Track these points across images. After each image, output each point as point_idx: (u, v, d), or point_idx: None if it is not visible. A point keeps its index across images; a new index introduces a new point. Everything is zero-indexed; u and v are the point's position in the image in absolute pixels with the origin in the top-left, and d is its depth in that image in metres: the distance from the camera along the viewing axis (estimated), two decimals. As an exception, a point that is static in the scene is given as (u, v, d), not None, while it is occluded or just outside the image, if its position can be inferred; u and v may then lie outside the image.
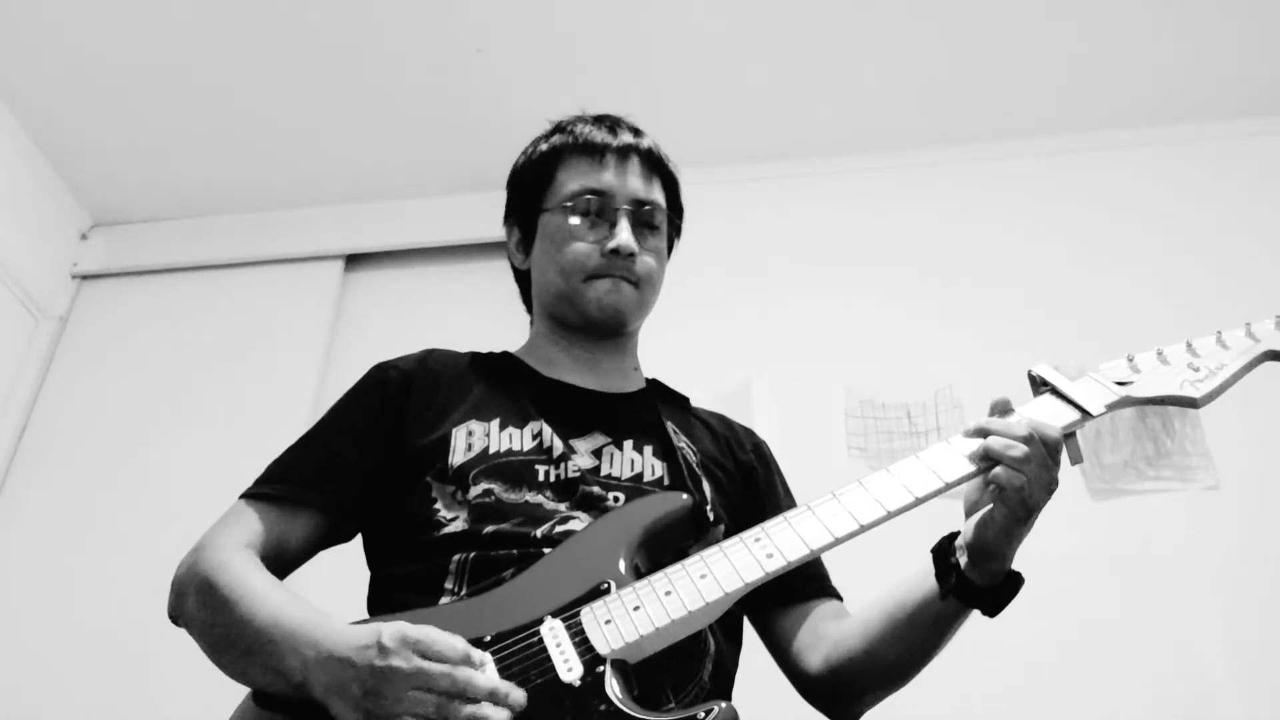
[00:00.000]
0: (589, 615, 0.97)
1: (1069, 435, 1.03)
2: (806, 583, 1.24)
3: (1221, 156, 2.62)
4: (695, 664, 1.05)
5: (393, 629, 0.90)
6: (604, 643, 0.94)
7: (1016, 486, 0.97)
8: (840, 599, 1.26)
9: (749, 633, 1.25)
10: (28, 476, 2.67)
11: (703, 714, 0.90)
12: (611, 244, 1.26)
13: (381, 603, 1.15)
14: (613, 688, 0.91)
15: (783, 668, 1.23)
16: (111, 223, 3.08)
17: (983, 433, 1.02)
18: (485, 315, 2.11)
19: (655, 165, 1.36)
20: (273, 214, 3.02)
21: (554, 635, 0.96)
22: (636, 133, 1.37)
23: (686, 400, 1.40)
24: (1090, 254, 2.50)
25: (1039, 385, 1.09)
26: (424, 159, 2.87)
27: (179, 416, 2.71)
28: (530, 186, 1.36)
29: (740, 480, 1.30)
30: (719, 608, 0.98)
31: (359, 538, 1.24)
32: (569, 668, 0.93)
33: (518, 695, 0.89)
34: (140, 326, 2.91)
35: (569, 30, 2.52)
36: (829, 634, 1.18)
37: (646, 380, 1.39)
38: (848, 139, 2.78)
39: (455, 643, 0.90)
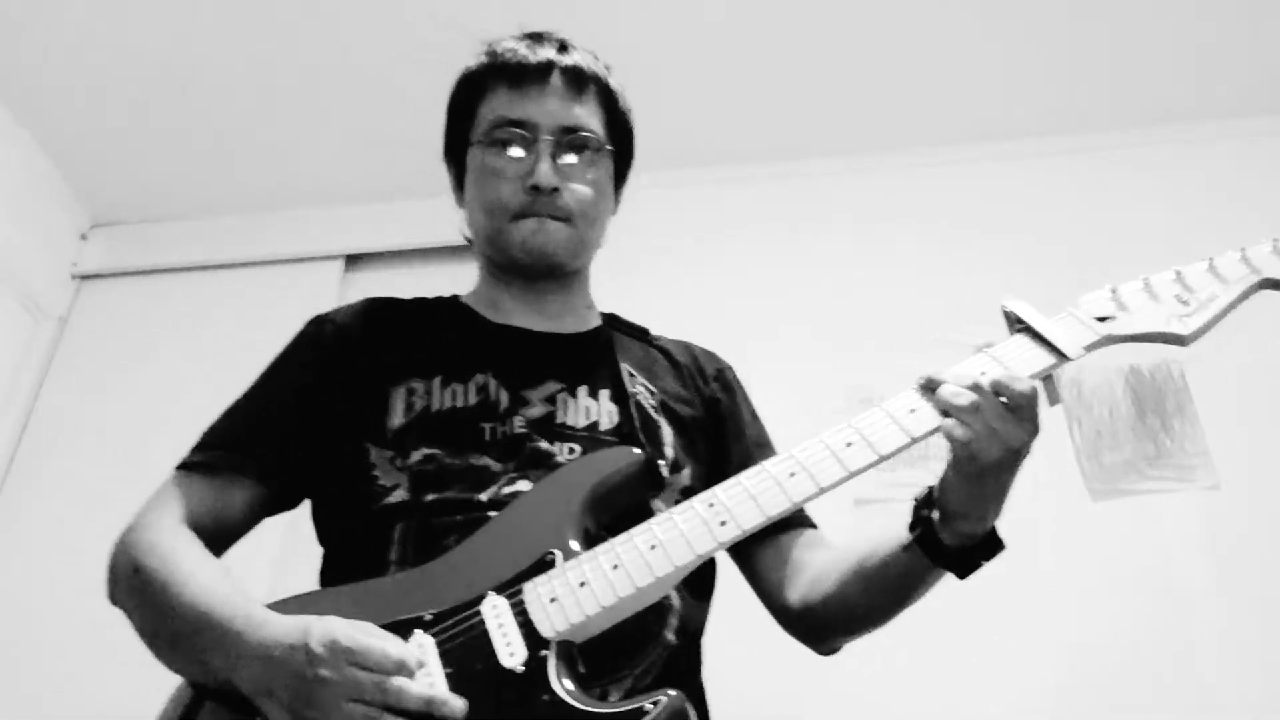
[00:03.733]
0: (533, 592, 0.91)
1: (1046, 377, 0.94)
2: None
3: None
4: (655, 625, 1.00)
5: (321, 632, 0.84)
6: (548, 624, 0.88)
7: (961, 439, 0.88)
8: (816, 527, 1.20)
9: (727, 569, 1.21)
10: (28, 476, 2.67)
11: (649, 705, 0.83)
12: (530, 180, 1.16)
13: (329, 578, 1.10)
14: (557, 674, 0.86)
15: (761, 599, 1.19)
16: (111, 223, 3.08)
17: (933, 383, 0.93)
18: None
19: (584, 82, 1.22)
20: (273, 214, 3.02)
21: (496, 615, 0.90)
22: (562, 47, 1.24)
23: (645, 332, 1.32)
24: (1095, 255, 2.50)
25: (1014, 323, 0.99)
26: (424, 159, 2.86)
27: (179, 417, 2.70)
28: (457, 119, 1.27)
29: (706, 415, 1.23)
30: (670, 581, 0.92)
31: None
32: (511, 652, 0.87)
33: (456, 704, 0.83)
34: (140, 326, 2.90)
35: (570, 30, 2.52)
36: (807, 568, 1.13)
37: (602, 315, 1.31)
38: (848, 139, 2.78)
39: (389, 649, 0.84)
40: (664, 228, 2.74)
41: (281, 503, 1.14)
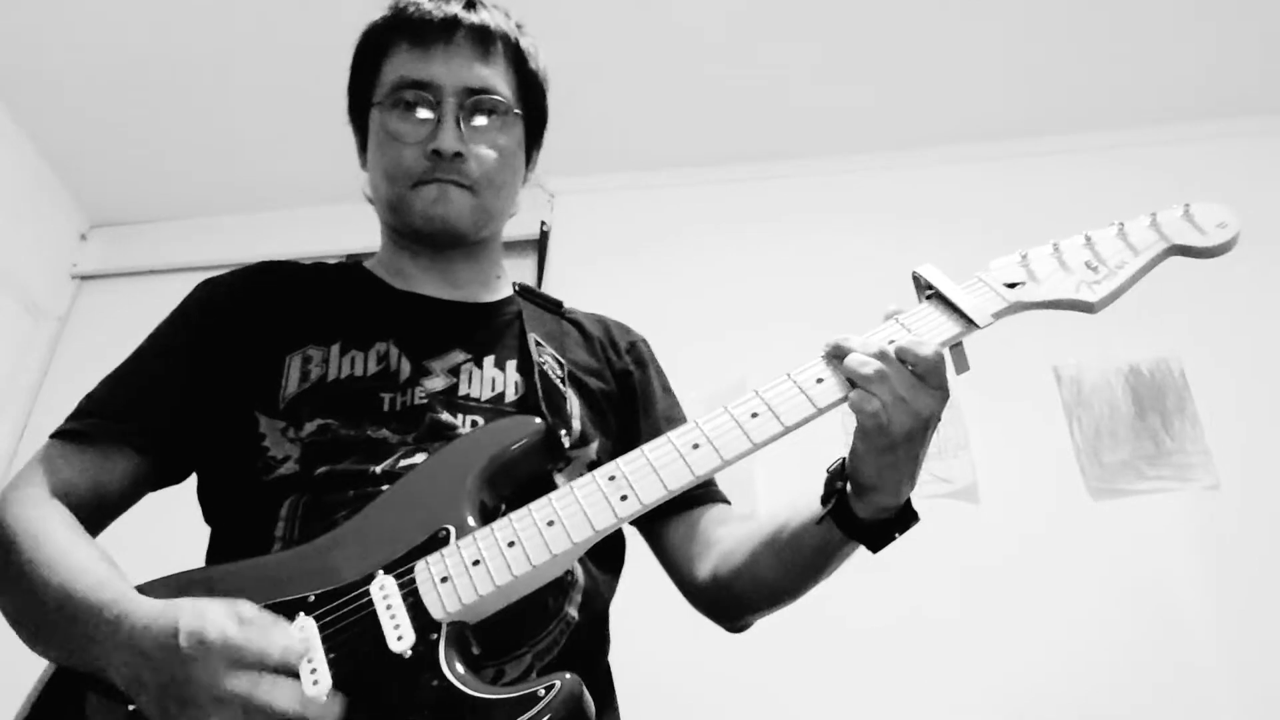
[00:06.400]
0: (424, 571, 0.85)
1: (955, 344, 0.91)
2: (691, 489, 1.11)
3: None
4: (557, 601, 0.96)
5: (190, 628, 0.78)
6: (439, 606, 0.83)
7: (869, 411, 0.85)
8: (728, 503, 1.17)
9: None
10: (27, 477, 2.66)
11: (542, 690, 0.78)
12: (431, 145, 1.10)
13: (214, 558, 1.04)
14: (447, 659, 0.81)
15: (670, 576, 1.16)
16: (111, 223, 3.08)
17: (840, 351, 0.89)
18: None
19: (491, 41, 1.15)
20: (273, 214, 3.02)
21: (385, 596, 0.84)
22: (469, 4, 1.16)
23: (559, 304, 1.26)
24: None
25: (923, 289, 0.96)
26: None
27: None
28: (359, 77, 1.20)
29: (616, 388, 1.19)
30: (568, 559, 0.87)
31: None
32: (399, 635, 0.82)
33: (333, 710, 0.78)
34: (140, 326, 2.85)
35: (567, 30, 2.52)
36: (718, 543, 1.09)
37: (515, 286, 1.25)
38: (837, 140, 2.79)
39: (265, 647, 0.78)
40: (640, 228, 2.75)
41: (165, 476, 1.06)
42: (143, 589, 0.88)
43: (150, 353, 1.12)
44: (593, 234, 2.79)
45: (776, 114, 2.73)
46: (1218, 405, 2.25)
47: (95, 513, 1.00)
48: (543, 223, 2.82)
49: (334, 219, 2.99)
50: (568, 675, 0.80)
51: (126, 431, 1.02)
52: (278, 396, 1.03)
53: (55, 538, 0.92)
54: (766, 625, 1.11)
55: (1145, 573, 2.10)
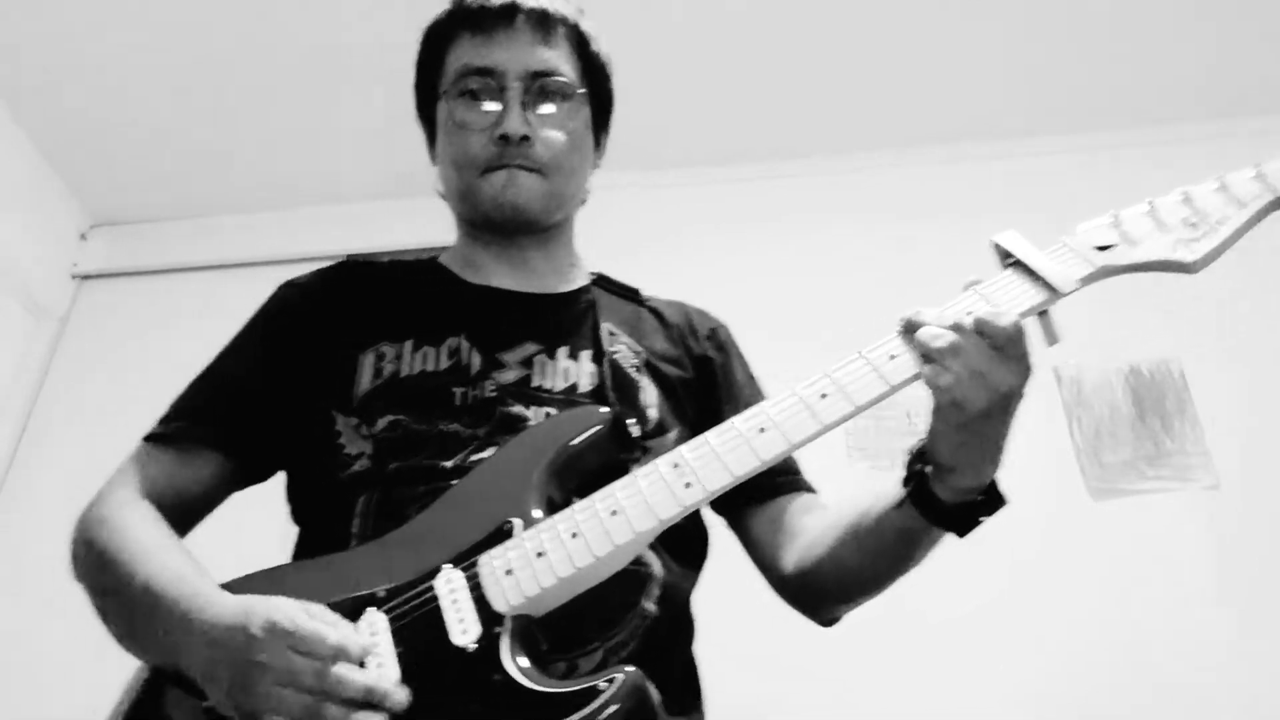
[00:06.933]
0: (488, 565, 0.85)
1: (1042, 313, 0.86)
2: (774, 478, 1.09)
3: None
4: (632, 594, 0.94)
5: (262, 614, 0.79)
6: (502, 599, 0.83)
7: (942, 386, 0.81)
8: (814, 491, 1.14)
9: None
10: (28, 476, 2.66)
11: (603, 683, 0.78)
12: (499, 130, 1.09)
13: (298, 556, 1.05)
14: (511, 652, 0.81)
15: (757, 567, 1.13)
16: (111, 223, 3.08)
17: (914, 325, 0.85)
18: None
19: (552, 24, 1.15)
20: (273, 214, 3.02)
21: (450, 590, 0.84)
22: None
23: (636, 291, 1.26)
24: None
25: (1004, 258, 0.91)
26: (425, 159, 2.87)
27: (179, 416, 2.71)
28: (425, 73, 1.22)
29: (695, 375, 1.17)
30: (632, 549, 0.85)
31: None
32: (464, 629, 0.82)
33: (399, 697, 0.78)
34: (140, 326, 2.90)
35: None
36: (803, 533, 1.07)
37: (592, 275, 1.25)
38: (837, 140, 2.79)
39: (328, 635, 0.78)
40: (645, 228, 2.74)
41: (248, 475, 1.09)
42: (225, 586, 0.90)
43: (230, 355, 1.14)
44: (594, 233, 2.78)
45: (776, 114, 2.73)
46: (1218, 406, 2.25)
47: (183, 513, 1.03)
48: (543, 223, 2.82)
49: (334, 219, 2.99)
50: (630, 668, 0.79)
51: (207, 433, 1.05)
52: (352, 394, 1.04)
53: (139, 535, 0.95)
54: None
55: (1145, 573, 2.10)
